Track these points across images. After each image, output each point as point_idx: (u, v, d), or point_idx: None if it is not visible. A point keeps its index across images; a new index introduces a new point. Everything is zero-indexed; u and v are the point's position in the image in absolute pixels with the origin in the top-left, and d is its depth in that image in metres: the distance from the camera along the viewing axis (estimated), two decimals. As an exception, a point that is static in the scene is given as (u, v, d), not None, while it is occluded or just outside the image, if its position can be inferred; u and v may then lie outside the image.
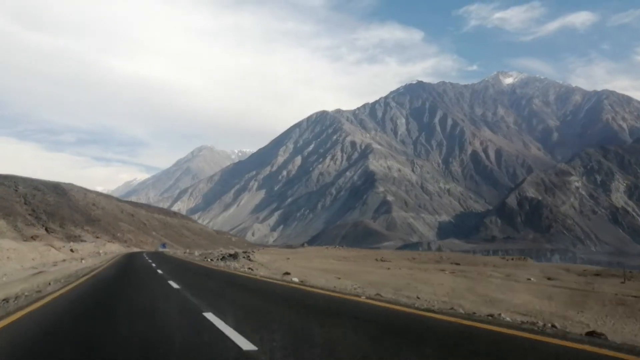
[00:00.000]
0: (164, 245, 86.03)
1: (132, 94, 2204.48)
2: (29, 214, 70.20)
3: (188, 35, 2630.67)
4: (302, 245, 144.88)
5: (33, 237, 51.74)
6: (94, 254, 51.99)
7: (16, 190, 79.29)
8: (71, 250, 49.26)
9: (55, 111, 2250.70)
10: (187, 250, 74.95)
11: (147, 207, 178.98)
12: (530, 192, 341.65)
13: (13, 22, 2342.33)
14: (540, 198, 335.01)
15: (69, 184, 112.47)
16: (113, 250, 64.00)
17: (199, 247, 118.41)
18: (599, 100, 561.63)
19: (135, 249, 78.24)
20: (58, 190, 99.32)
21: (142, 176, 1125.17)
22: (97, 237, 74.99)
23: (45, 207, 78.26)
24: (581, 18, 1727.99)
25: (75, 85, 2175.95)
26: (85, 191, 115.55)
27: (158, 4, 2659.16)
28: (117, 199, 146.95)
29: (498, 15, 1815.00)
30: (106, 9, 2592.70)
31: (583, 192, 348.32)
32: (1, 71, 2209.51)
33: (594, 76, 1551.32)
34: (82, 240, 63.98)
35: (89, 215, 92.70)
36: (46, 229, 61.69)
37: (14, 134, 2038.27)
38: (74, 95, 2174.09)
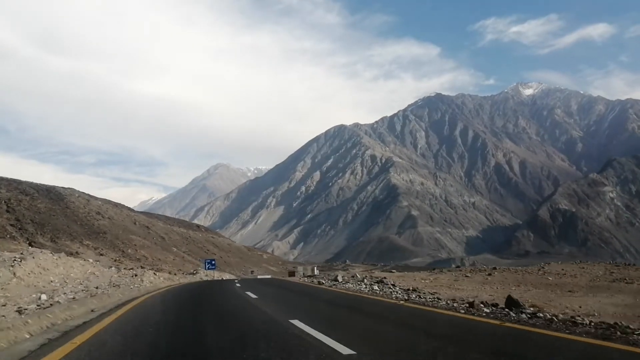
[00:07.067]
0: (212, 264, 53.01)
1: (150, 115, 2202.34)
2: (11, 224, 56.81)
3: (205, 55, 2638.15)
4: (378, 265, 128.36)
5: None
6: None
7: (-3, 195, 65.79)
8: None
9: (76, 133, 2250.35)
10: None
11: (166, 218, 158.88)
12: (563, 204, 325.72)
13: (37, 46, 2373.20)
14: (574, 210, 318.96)
15: (69, 188, 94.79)
16: (82, 272, 26.36)
17: (230, 266, 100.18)
18: (623, 109, 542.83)
19: (168, 276, 41.20)
20: (52, 195, 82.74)
21: (159, 195, 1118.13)
22: (101, 254, 61.86)
23: (33, 216, 64.18)
24: (599, 30, 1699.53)
25: (94, 107, 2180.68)
26: (89, 197, 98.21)
27: (176, 25, 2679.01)
28: (129, 209, 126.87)
29: (514, 29, 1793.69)
30: (124, 31, 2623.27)
31: (618, 203, 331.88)
32: (24, 96, 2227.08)
33: (613, 88, 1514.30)
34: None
35: (91, 226, 75.78)
36: (30, 243, 48.29)
37: (35, 157, 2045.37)
38: (94, 117, 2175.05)
